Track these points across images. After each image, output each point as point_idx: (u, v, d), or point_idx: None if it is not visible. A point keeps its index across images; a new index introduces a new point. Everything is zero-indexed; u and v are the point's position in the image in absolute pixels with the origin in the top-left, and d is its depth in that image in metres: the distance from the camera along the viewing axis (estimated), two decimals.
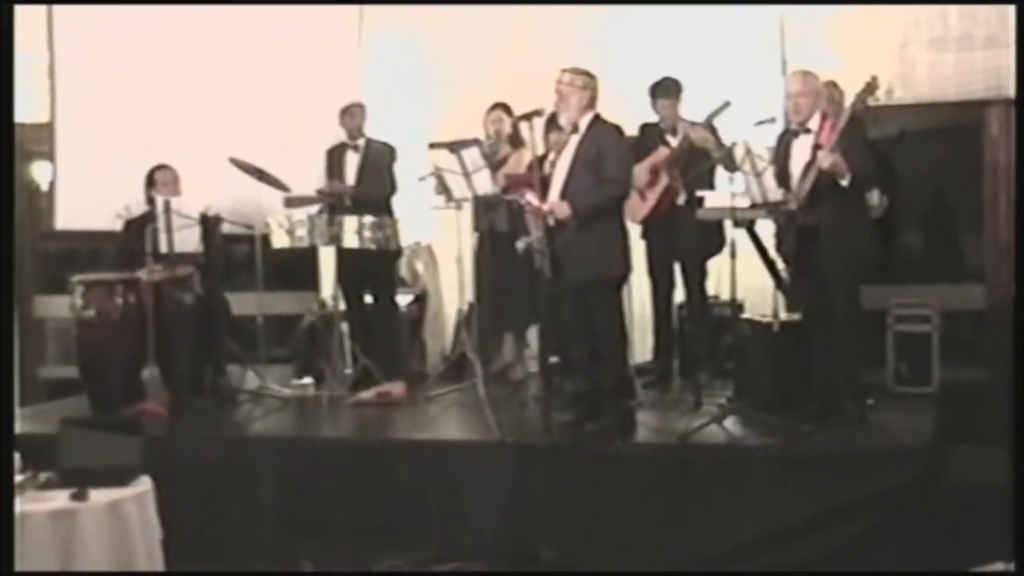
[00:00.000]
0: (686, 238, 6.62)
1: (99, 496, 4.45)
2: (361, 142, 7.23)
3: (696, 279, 6.88)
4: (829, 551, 5.13)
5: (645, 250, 6.88)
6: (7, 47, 5.40)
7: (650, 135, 6.82)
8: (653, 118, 6.89)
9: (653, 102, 6.82)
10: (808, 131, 5.66)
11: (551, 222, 5.67)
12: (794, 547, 5.16)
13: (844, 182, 5.42)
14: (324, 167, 7.32)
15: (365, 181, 7.16)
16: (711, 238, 6.54)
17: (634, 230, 6.73)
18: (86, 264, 7.80)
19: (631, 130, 5.98)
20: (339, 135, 7.29)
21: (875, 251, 5.92)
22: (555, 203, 5.69)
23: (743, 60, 7.34)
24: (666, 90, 6.77)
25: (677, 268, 6.92)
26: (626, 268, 5.85)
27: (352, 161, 7.23)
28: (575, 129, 5.79)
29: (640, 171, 6.67)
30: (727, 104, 6.41)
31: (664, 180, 6.66)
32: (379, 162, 7.20)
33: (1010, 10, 6.92)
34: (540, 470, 5.49)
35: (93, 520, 4.38)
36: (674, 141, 6.72)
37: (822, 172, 5.44)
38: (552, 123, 5.99)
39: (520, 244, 5.91)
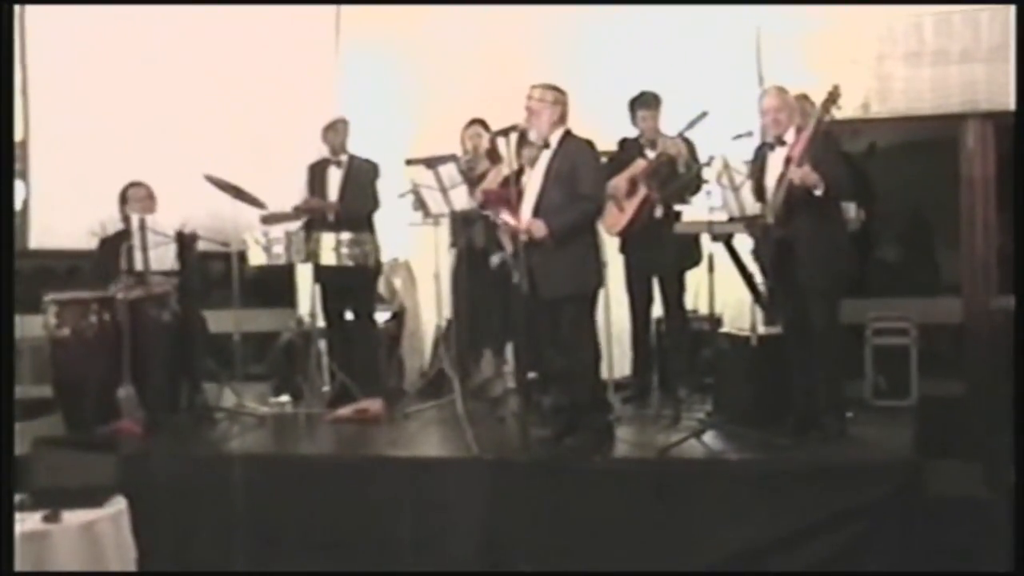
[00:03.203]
0: (664, 252, 6.61)
1: (73, 517, 4.40)
2: (344, 158, 7.21)
3: (674, 293, 6.87)
4: (808, 565, 5.12)
5: (623, 264, 6.87)
6: (7, 47, 5.36)
7: (629, 149, 6.83)
8: (629, 132, 6.89)
9: (632, 115, 6.83)
10: (784, 143, 5.68)
11: (524, 238, 5.65)
12: (773, 561, 5.16)
13: (818, 192, 5.43)
14: (306, 183, 7.28)
15: (348, 197, 7.13)
16: (688, 251, 6.54)
17: (612, 244, 6.74)
18: (60, 283, 7.73)
19: (606, 145, 5.98)
20: (321, 151, 7.27)
21: (852, 264, 5.93)
22: (532, 222, 5.67)
23: (720, 75, 7.36)
24: (646, 103, 6.79)
25: (655, 283, 6.91)
26: (599, 282, 5.83)
27: (335, 177, 7.20)
28: (546, 144, 5.79)
29: (618, 183, 6.67)
30: (704, 114, 6.42)
31: (641, 192, 6.66)
32: (362, 178, 7.18)
33: (1001, 20, 6.98)
34: (519, 486, 5.48)
35: (66, 541, 4.33)
36: (652, 154, 6.73)
37: (793, 184, 5.45)
38: (524, 139, 5.98)
39: (494, 259, 5.91)
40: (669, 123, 6.80)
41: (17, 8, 7.91)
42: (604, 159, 6.34)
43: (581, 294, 5.74)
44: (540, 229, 5.64)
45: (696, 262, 6.46)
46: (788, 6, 7.40)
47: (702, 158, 6.44)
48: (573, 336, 5.74)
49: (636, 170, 6.67)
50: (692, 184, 6.32)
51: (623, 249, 6.87)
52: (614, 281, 6.12)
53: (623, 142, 6.89)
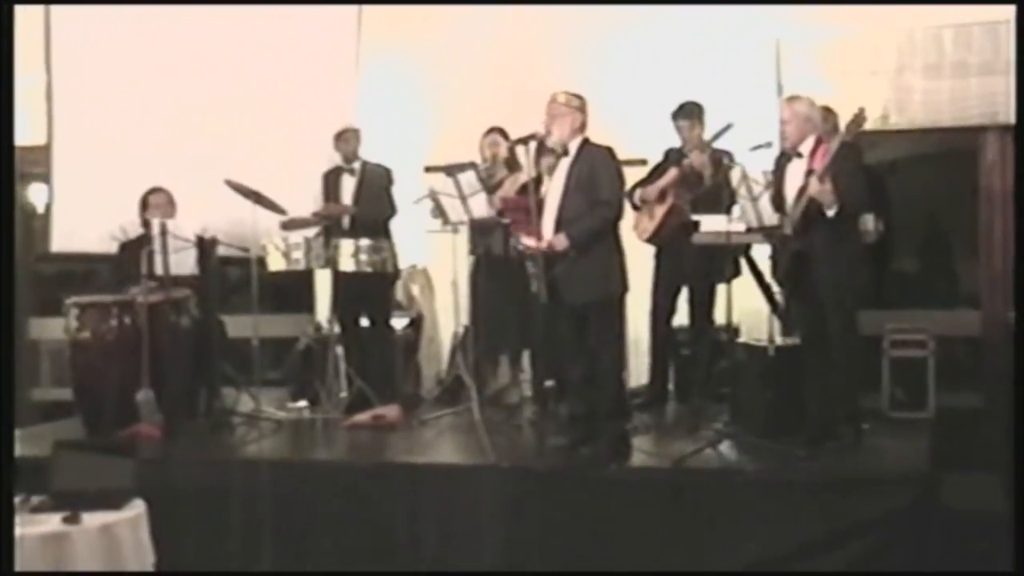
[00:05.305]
0: (698, 262, 6.62)
1: (92, 519, 4.43)
2: (357, 165, 7.23)
3: (704, 304, 6.87)
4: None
5: (653, 272, 6.89)
6: (7, 46, 5.40)
7: (672, 158, 6.86)
8: (650, 140, 6.93)
9: (675, 124, 6.85)
10: (800, 155, 5.68)
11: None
12: (789, 572, 5.14)
13: (830, 212, 5.43)
14: (320, 191, 7.32)
15: (362, 204, 7.16)
16: (724, 264, 6.53)
17: (646, 252, 6.76)
18: (81, 286, 7.78)
19: (623, 154, 6.00)
20: (334, 159, 7.30)
21: (869, 276, 5.92)
22: (551, 239, 5.68)
23: (740, 85, 7.36)
24: (686, 113, 6.81)
25: (683, 293, 6.92)
26: (624, 287, 5.84)
27: (348, 185, 7.22)
28: (565, 152, 5.80)
29: (650, 190, 6.72)
30: (729, 126, 6.42)
31: (669, 200, 6.68)
32: (376, 185, 7.20)
33: (1004, 35, 6.98)
34: (535, 494, 5.47)
35: (86, 543, 4.36)
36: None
37: (812, 199, 5.46)
38: (542, 147, 6.00)
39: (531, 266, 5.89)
40: None
41: (43, 11, 7.99)
42: (627, 167, 6.33)
43: (606, 300, 5.74)
44: (561, 243, 5.65)
45: (733, 275, 6.39)
46: (808, 17, 7.39)
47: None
48: (598, 342, 5.74)
49: (668, 179, 6.70)
50: (726, 196, 6.25)
51: (658, 256, 6.90)
52: (634, 289, 6.11)
53: (668, 152, 6.91)
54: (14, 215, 6.58)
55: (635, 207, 6.72)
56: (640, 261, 6.79)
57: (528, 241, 5.76)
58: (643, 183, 6.78)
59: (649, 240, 6.83)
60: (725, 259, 6.37)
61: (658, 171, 6.85)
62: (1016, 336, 5.88)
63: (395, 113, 8.15)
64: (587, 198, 5.69)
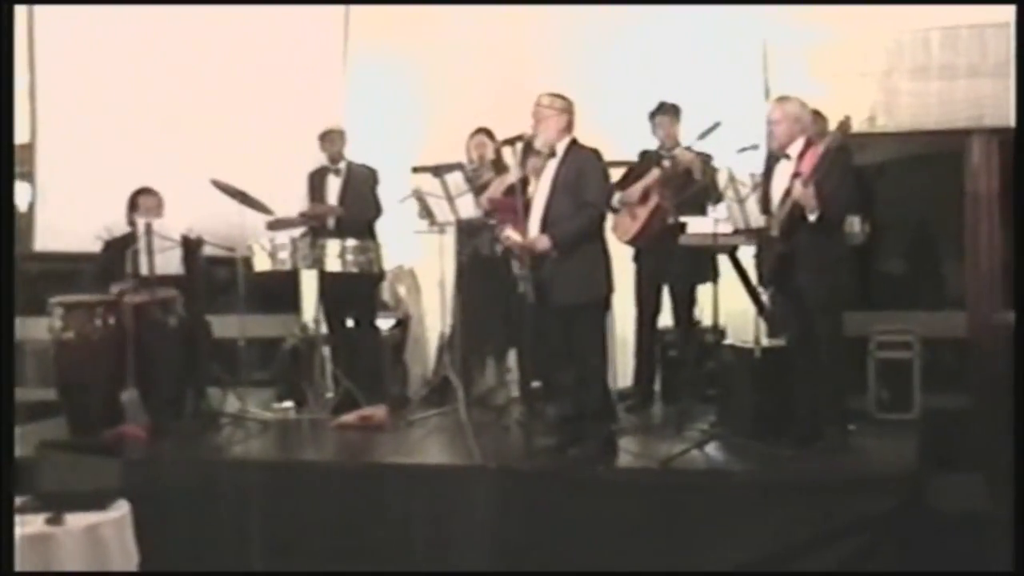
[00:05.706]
0: (678, 263, 6.62)
1: (76, 520, 4.40)
2: (342, 166, 7.22)
3: (685, 305, 6.87)
4: None
5: (635, 273, 6.89)
6: (7, 47, 5.37)
7: (648, 159, 6.84)
8: (636, 142, 6.91)
9: (652, 124, 6.85)
10: (788, 157, 5.67)
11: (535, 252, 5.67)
12: (777, 572, 5.15)
13: (812, 217, 5.44)
14: (306, 191, 7.30)
15: (348, 204, 7.15)
16: (704, 264, 6.53)
17: (626, 253, 6.75)
18: (65, 286, 7.74)
19: (612, 155, 6.00)
20: (320, 159, 7.28)
21: (855, 278, 5.93)
22: (534, 238, 5.69)
23: (727, 87, 7.37)
24: (664, 112, 6.81)
25: (665, 293, 6.92)
26: (609, 289, 5.83)
27: (334, 185, 7.21)
28: (552, 153, 5.80)
29: (632, 191, 6.71)
30: (717, 124, 6.43)
31: (653, 200, 6.68)
32: (361, 185, 7.19)
33: (1007, 36, 7.01)
34: (522, 495, 5.47)
35: (70, 545, 4.33)
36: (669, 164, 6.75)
37: (795, 203, 5.46)
38: (529, 148, 5.99)
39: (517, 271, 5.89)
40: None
41: (26, 10, 7.95)
42: (614, 169, 6.34)
43: (593, 301, 5.74)
44: (543, 243, 5.65)
45: (713, 276, 6.42)
46: (796, 19, 7.40)
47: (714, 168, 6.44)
48: (582, 344, 5.74)
49: (650, 179, 6.70)
50: (713, 195, 6.29)
51: (637, 258, 6.88)
52: (619, 290, 6.12)
53: (643, 153, 6.91)
54: (14, 215, 6.53)
55: (613, 210, 6.68)
56: (630, 262, 6.81)
57: (511, 234, 5.75)
58: (620, 185, 6.75)
59: (630, 242, 6.81)
60: (706, 259, 6.39)
61: (634, 173, 6.83)
62: (1015, 337, 5.88)
63: (382, 113, 8.14)
64: (573, 200, 5.69)
